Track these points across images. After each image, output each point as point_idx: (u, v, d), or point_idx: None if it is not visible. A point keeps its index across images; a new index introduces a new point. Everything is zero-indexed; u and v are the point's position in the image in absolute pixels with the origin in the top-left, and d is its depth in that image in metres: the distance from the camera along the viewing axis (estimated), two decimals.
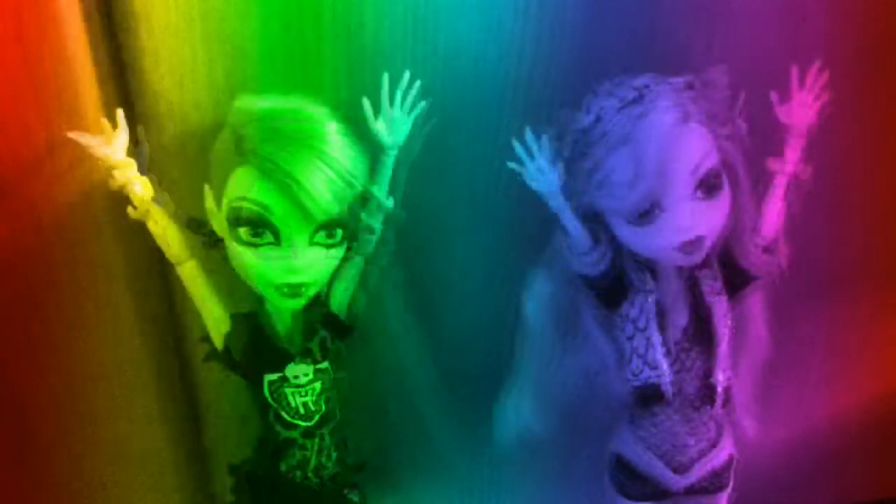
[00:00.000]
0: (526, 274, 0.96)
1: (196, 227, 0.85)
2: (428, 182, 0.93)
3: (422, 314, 0.99)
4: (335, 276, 0.88)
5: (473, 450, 1.10)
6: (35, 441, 1.01)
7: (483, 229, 1.01)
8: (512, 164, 0.85)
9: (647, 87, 0.85)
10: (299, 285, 0.81)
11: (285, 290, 0.81)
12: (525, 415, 1.00)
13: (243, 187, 0.78)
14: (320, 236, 0.81)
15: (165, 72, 0.87)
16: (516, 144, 0.84)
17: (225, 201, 0.80)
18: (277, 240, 0.79)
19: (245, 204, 0.78)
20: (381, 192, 0.85)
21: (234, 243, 0.80)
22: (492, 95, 0.93)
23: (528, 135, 0.84)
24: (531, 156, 0.84)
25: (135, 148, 0.84)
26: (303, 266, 0.80)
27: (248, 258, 0.80)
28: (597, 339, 0.97)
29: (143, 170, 0.83)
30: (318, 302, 0.89)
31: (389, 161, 0.85)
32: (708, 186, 0.84)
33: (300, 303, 0.83)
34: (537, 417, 1.00)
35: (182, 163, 0.90)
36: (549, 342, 0.98)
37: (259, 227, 0.79)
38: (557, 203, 0.86)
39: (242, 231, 0.79)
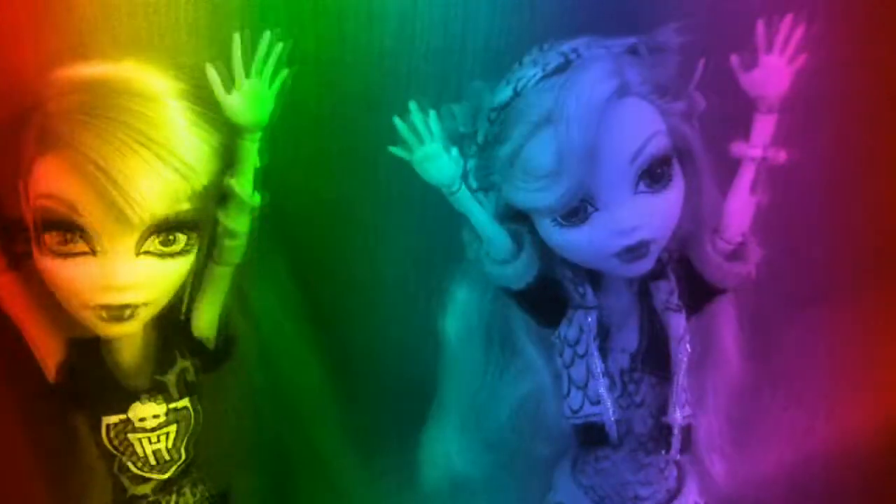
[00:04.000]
0: (445, 283, 0.78)
1: (9, 232, 0.68)
2: (318, 168, 0.76)
3: (318, 333, 0.82)
4: (198, 291, 0.71)
5: (388, 496, 0.92)
6: None
7: (393, 228, 0.84)
8: (395, 150, 0.67)
9: (575, 51, 0.67)
10: (123, 307, 0.64)
11: (103, 313, 0.63)
12: (450, 452, 0.83)
13: (46, 182, 0.61)
14: (152, 243, 0.64)
15: None
16: (398, 123, 0.66)
17: (31, 199, 0.63)
18: (92, 249, 0.62)
19: (48, 203, 0.61)
20: (243, 186, 0.68)
21: (41, 253, 0.63)
22: (390, 63, 0.76)
23: (414, 109, 0.66)
24: (418, 137, 0.66)
25: None
26: (126, 282, 0.63)
27: (57, 272, 0.63)
28: (533, 362, 0.80)
29: None
30: (177, 324, 0.72)
31: (253, 147, 0.67)
32: (654, 177, 0.67)
33: (128, 328, 0.66)
34: (465, 455, 0.83)
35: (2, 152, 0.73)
36: (475, 366, 0.81)
37: (66, 233, 0.62)
38: (461, 198, 0.69)
39: (48, 237, 0.62)
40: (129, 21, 0.72)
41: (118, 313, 0.64)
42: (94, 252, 0.62)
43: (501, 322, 0.79)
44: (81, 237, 0.62)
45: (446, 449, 0.84)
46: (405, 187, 0.81)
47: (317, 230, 0.81)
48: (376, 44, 0.75)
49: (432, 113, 0.65)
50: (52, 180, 0.61)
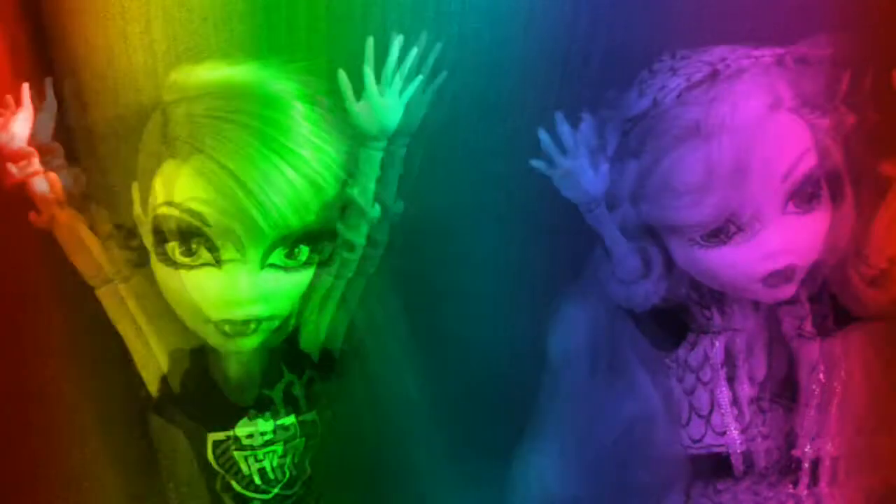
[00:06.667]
0: (555, 299, 0.76)
1: (122, 237, 0.65)
2: (436, 180, 0.73)
3: (422, 347, 0.79)
4: (306, 304, 0.68)
5: None
6: None
7: (504, 242, 0.81)
8: (536, 163, 0.64)
9: (723, 61, 0.64)
10: (247, 321, 0.60)
11: (226, 328, 0.60)
12: (547, 476, 0.80)
13: (171, 188, 0.58)
14: (277, 256, 0.61)
15: (97, 36, 0.67)
16: (543, 136, 0.63)
17: (150, 206, 0.60)
18: (217, 261, 0.59)
19: (172, 211, 0.58)
20: (364, 197, 0.64)
21: (161, 263, 0.60)
22: (519, 72, 0.72)
23: (560, 122, 0.62)
24: (564, 151, 0.63)
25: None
26: (251, 296, 0.60)
27: (177, 284, 0.60)
28: (641, 385, 0.76)
29: (47, 136, 0.64)
30: (285, 337, 0.69)
31: (376, 156, 0.64)
32: (804, 197, 0.63)
33: (250, 343, 0.63)
34: (562, 479, 0.80)
35: (114, 151, 0.70)
36: (580, 387, 0.78)
37: (192, 242, 0.58)
38: (598, 215, 0.65)
39: (171, 247, 0.59)
40: (248, 20, 0.68)
41: (242, 328, 0.60)
42: (218, 263, 0.59)
43: (610, 342, 0.77)
44: (207, 247, 0.59)
45: (542, 470, 0.81)
46: (516, 203, 0.78)
47: (427, 242, 0.78)
48: (504, 50, 0.72)
49: (583, 126, 0.62)
50: (178, 187, 0.58)
